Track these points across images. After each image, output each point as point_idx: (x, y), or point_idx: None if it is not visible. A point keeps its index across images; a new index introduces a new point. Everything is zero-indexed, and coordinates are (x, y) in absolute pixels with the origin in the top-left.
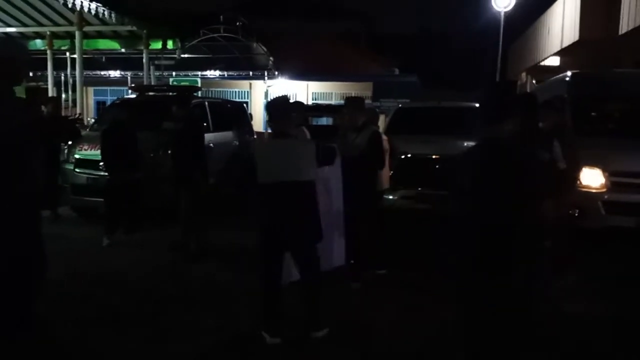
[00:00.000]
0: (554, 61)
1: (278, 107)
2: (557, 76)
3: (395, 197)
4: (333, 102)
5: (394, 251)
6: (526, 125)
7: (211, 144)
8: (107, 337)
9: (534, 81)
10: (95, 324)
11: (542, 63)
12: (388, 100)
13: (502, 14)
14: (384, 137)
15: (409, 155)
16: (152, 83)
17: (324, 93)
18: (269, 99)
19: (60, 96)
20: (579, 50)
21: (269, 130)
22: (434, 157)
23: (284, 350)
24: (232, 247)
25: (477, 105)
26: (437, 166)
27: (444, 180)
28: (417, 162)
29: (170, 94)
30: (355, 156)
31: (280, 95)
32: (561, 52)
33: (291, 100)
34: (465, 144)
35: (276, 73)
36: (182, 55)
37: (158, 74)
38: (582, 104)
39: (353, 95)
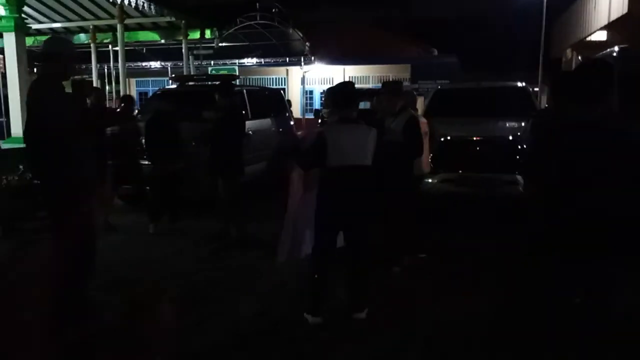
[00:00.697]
0: (601, 36)
1: (344, 93)
2: (604, 52)
3: (435, 181)
4: (370, 85)
5: (433, 235)
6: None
7: (250, 132)
8: (153, 322)
9: (579, 58)
10: (141, 309)
11: (588, 39)
12: (427, 82)
13: None
14: (423, 120)
15: (449, 138)
16: (192, 73)
17: (361, 77)
18: (305, 85)
19: (104, 88)
20: (628, 24)
21: (324, 117)
22: (474, 139)
23: (326, 331)
24: (271, 235)
25: (519, 84)
26: (477, 148)
27: (504, 163)
28: (457, 144)
29: (210, 83)
30: (391, 141)
31: (346, 81)
32: (608, 27)
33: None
34: (507, 125)
35: (312, 58)
36: (220, 44)
37: (197, 63)
38: (631, 82)
39: (390, 78)
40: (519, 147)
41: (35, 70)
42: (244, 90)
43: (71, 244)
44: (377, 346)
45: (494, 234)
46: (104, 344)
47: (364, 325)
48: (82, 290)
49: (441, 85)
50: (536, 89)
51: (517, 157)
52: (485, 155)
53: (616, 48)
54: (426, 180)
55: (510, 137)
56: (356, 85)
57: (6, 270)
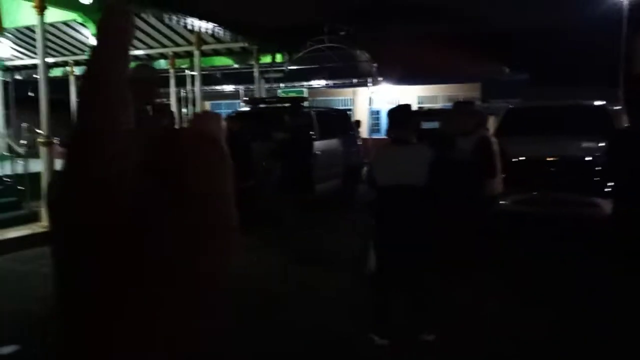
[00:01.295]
0: None
1: (397, 115)
2: None
3: (508, 202)
4: (438, 105)
5: (504, 257)
6: None
7: (318, 152)
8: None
9: None
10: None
11: None
12: (497, 101)
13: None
14: (494, 140)
15: (522, 158)
16: (263, 95)
17: (429, 96)
18: (372, 105)
19: (181, 110)
20: None
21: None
22: (548, 159)
23: (391, 353)
24: (334, 251)
25: (597, 103)
26: (551, 168)
27: (561, 181)
28: (530, 164)
29: (279, 105)
30: (461, 161)
31: (403, 103)
32: None
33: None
34: (583, 145)
35: (379, 79)
36: (290, 67)
37: (267, 86)
38: None
39: (460, 97)
40: (597, 168)
41: None
42: (312, 112)
43: None
44: None
45: (567, 254)
46: None
47: (431, 347)
48: None
49: (513, 104)
50: (616, 108)
51: (595, 178)
52: (561, 175)
53: None
54: (499, 201)
55: (588, 158)
56: (424, 106)
57: None
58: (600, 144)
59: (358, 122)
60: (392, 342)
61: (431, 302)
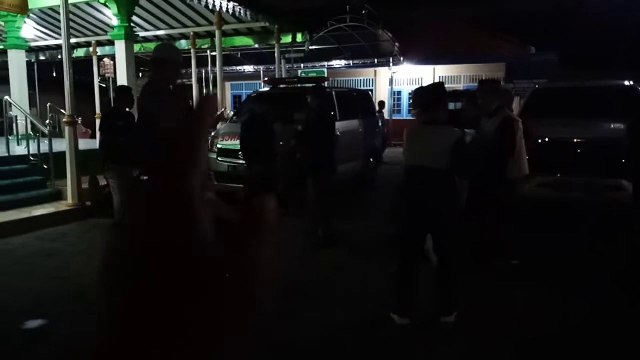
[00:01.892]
0: None
1: (428, 95)
2: None
3: (532, 185)
4: (462, 85)
5: (528, 240)
6: None
7: (339, 133)
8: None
9: None
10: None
11: None
12: (523, 81)
13: None
14: (518, 120)
15: (547, 140)
16: (283, 76)
17: (452, 77)
18: (393, 86)
19: (202, 91)
20: None
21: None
22: (574, 141)
23: (413, 333)
24: (358, 234)
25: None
26: (578, 150)
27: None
28: (556, 146)
29: (300, 85)
30: (486, 142)
31: (436, 82)
32: None
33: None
34: (611, 127)
35: (401, 59)
36: (310, 47)
37: (288, 66)
38: None
39: (484, 77)
40: (625, 150)
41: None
42: (333, 92)
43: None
44: (464, 349)
45: (593, 240)
46: None
47: (452, 328)
48: None
49: (539, 84)
50: None
51: (623, 160)
52: (587, 158)
53: None
54: (523, 184)
55: (615, 140)
56: (447, 86)
57: None
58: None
59: (382, 103)
60: (412, 322)
61: (454, 285)
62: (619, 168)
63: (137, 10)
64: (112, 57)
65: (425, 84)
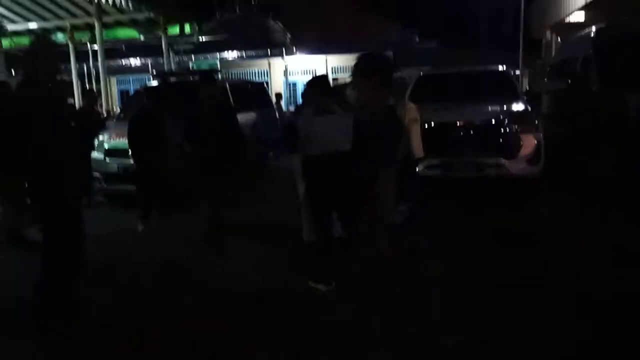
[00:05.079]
0: (579, 17)
1: (318, 85)
2: (582, 32)
3: (422, 167)
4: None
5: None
6: None
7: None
8: (145, 305)
9: (559, 39)
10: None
11: (567, 20)
12: (410, 69)
13: None
14: (412, 106)
15: (432, 124)
16: (173, 68)
17: (343, 66)
18: (288, 77)
19: (86, 88)
20: (605, 4)
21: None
22: (456, 124)
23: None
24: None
25: (499, 68)
26: (460, 133)
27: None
28: (439, 129)
29: (192, 78)
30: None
31: (320, 74)
32: (586, 7)
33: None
34: (489, 109)
35: (294, 49)
36: (200, 39)
37: (178, 58)
38: (607, 59)
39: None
40: (502, 130)
41: (13, 73)
42: (227, 85)
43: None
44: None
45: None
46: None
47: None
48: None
49: (423, 70)
50: (517, 72)
51: (501, 140)
52: (469, 140)
53: (594, 28)
54: (417, 165)
55: (493, 121)
56: (339, 76)
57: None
58: (504, 108)
59: (279, 95)
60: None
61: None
62: (498, 147)
63: None
64: None
65: (319, 74)
